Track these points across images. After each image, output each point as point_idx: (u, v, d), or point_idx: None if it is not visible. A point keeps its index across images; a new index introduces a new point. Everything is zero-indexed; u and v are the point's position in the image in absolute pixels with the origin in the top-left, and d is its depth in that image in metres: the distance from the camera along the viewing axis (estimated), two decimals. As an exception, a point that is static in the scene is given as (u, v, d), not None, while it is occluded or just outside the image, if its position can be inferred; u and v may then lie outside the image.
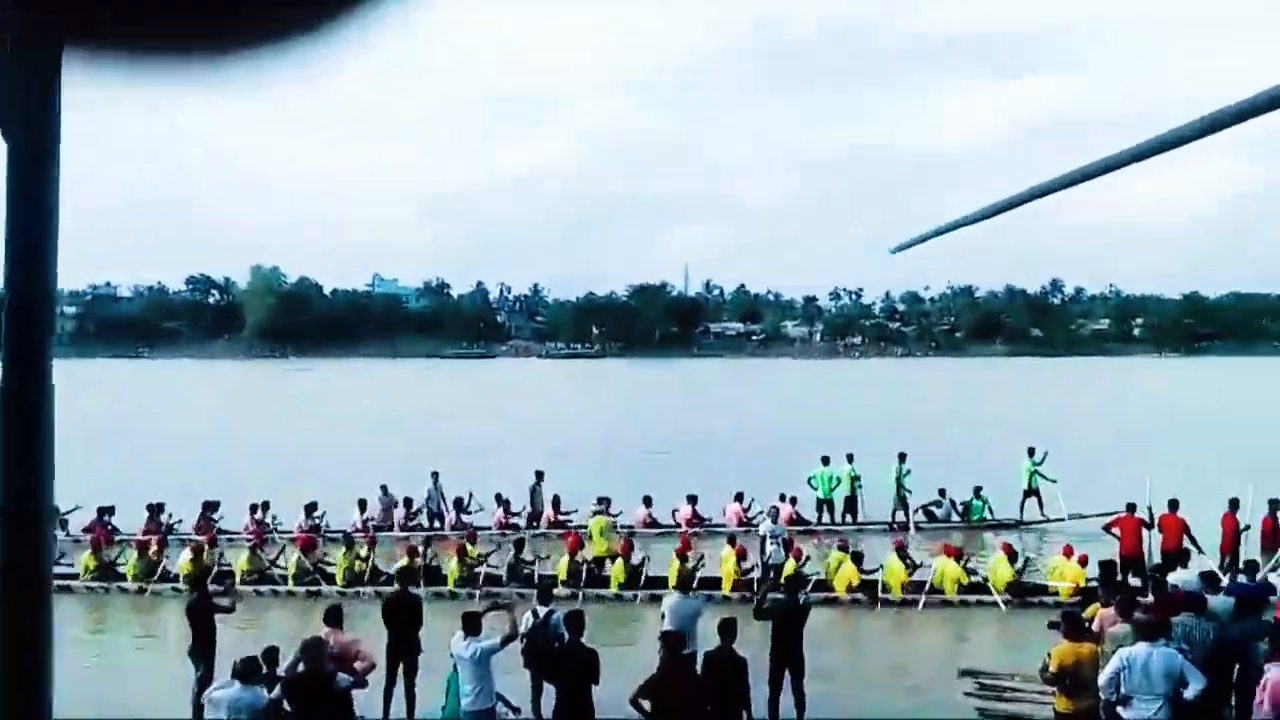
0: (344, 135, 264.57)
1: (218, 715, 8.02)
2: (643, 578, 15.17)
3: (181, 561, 15.57)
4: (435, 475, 20.58)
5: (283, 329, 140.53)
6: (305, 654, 8.31)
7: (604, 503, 18.63)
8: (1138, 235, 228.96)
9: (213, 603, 11.00)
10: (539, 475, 20.67)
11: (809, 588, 14.42)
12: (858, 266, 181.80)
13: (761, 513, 19.73)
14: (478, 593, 14.77)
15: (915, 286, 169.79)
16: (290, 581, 15.58)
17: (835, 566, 14.96)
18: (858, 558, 15.06)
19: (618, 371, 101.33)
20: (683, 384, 78.63)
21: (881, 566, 15.02)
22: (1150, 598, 10.59)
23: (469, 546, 15.85)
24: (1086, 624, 9.46)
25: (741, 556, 15.16)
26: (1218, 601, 10.18)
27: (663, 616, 10.49)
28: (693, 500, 19.86)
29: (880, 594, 14.68)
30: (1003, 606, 14.22)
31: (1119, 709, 8.17)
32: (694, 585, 14.06)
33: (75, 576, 15.99)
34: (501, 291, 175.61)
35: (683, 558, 14.76)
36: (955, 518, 20.35)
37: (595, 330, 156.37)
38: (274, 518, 19.19)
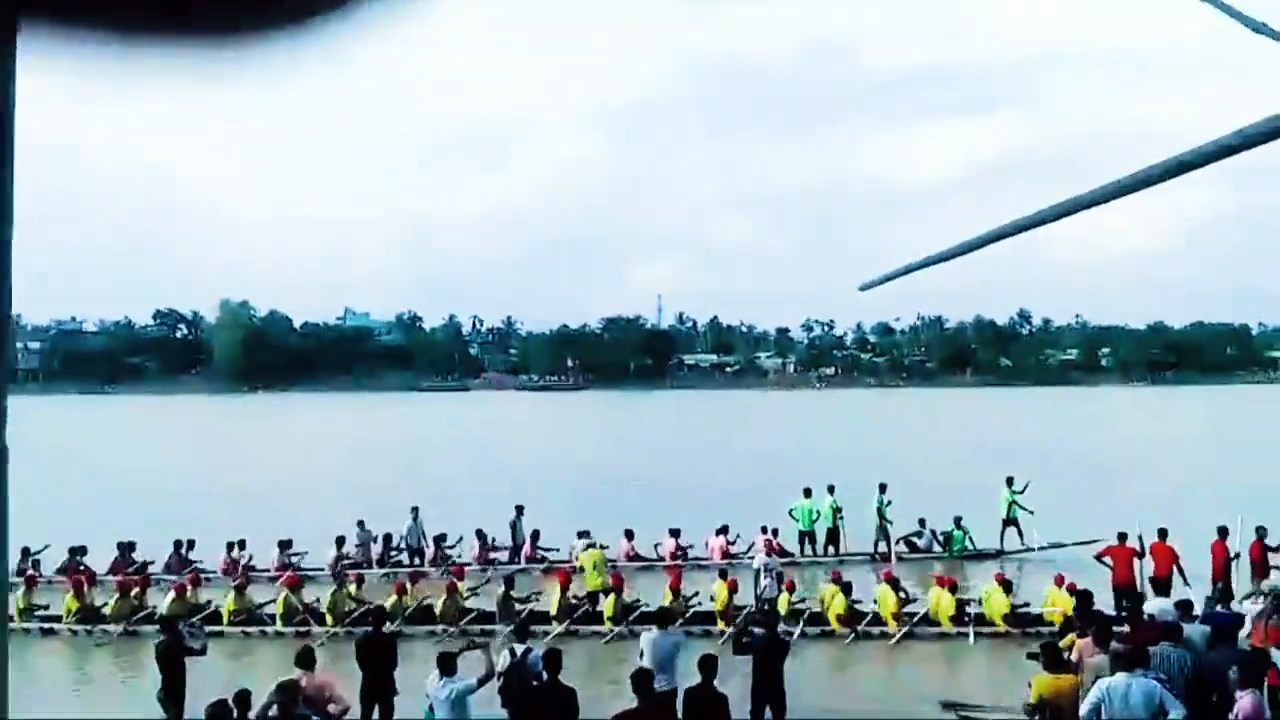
0: (310, 170, 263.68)
1: None
2: (636, 613, 14.92)
3: (166, 602, 15.28)
4: (415, 511, 20.35)
5: (252, 363, 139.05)
6: (279, 697, 8.15)
7: (584, 535, 18.66)
8: (1103, 266, 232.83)
9: (184, 645, 10.75)
10: (519, 510, 20.54)
11: (804, 620, 14.47)
12: (829, 299, 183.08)
13: (739, 540, 19.83)
14: (469, 630, 14.48)
15: (886, 318, 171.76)
16: (279, 621, 15.15)
17: (830, 599, 14.90)
18: (847, 589, 14.99)
19: (593, 404, 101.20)
20: (658, 416, 78.69)
21: (876, 600, 14.95)
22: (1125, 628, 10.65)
23: (459, 584, 15.62)
24: (1065, 654, 9.49)
25: (733, 590, 15.06)
26: (1193, 630, 10.24)
27: (641, 653, 10.40)
28: (676, 534, 19.79)
29: (873, 625, 14.59)
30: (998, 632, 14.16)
31: (1100, 740, 8.17)
32: (684, 620, 14.06)
33: (58, 619, 15.65)
34: (474, 324, 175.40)
35: (676, 593, 14.70)
36: (936, 548, 20.39)
37: (570, 363, 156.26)
38: (250, 556, 18.93)
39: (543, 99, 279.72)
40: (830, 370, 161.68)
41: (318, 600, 15.72)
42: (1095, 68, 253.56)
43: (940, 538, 20.48)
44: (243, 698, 8.75)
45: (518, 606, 14.92)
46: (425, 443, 53.08)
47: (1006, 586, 14.68)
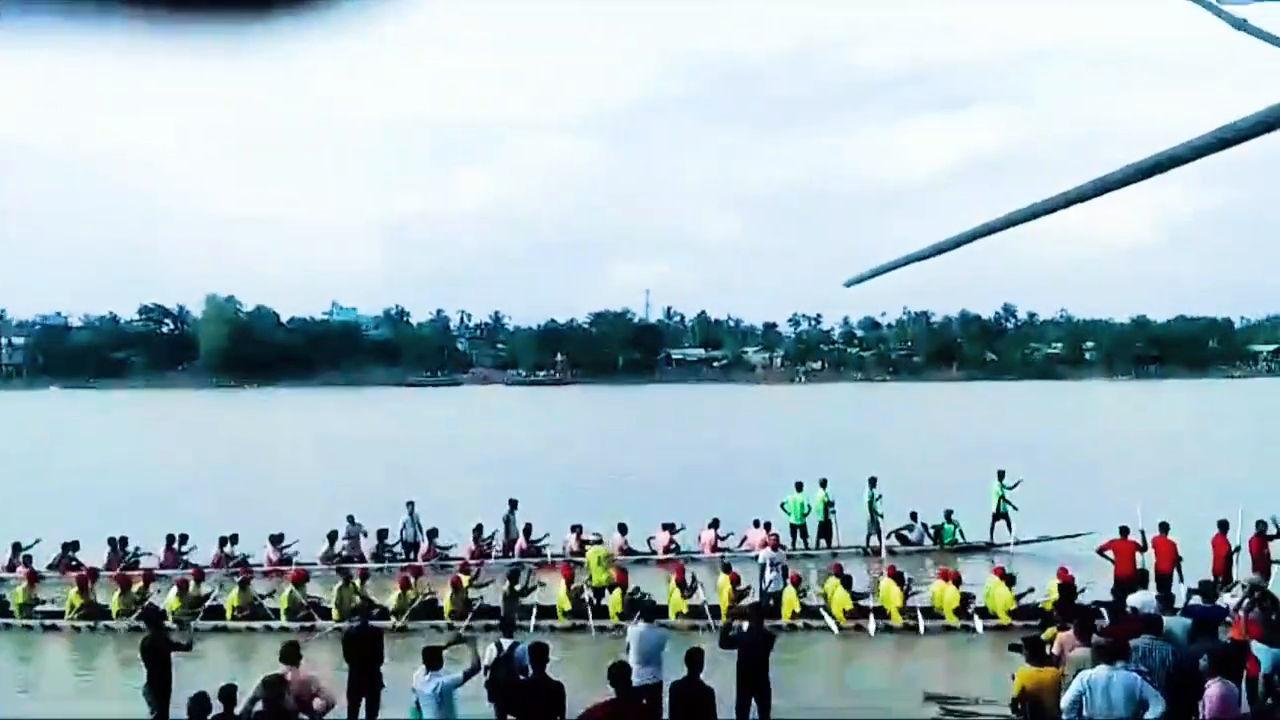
0: (298, 165, 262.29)
1: None
2: (641, 607, 14.95)
3: (169, 598, 15.23)
4: (411, 505, 20.37)
5: (239, 358, 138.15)
6: (264, 692, 8.12)
7: (576, 530, 19.03)
8: (1087, 261, 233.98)
9: (169, 641, 10.70)
10: (513, 504, 20.56)
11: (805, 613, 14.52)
12: (816, 294, 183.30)
13: (732, 534, 20.03)
14: (475, 625, 14.45)
15: (873, 312, 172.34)
16: (283, 616, 15.09)
17: (832, 592, 14.94)
18: (848, 581, 15.04)
19: (582, 398, 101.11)
20: (647, 411, 78.67)
21: (880, 594, 15.01)
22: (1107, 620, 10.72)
23: (463, 578, 15.59)
24: (1047, 647, 9.55)
25: (736, 583, 15.10)
26: (1174, 622, 10.33)
27: (627, 647, 10.41)
28: (669, 528, 19.85)
29: (877, 619, 14.63)
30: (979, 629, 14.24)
31: (1081, 732, 8.23)
32: (686, 613, 14.15)
33: (61, 615, 15.59)
34: (462, 319, 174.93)
35: (681, 586, 14.71)
36: (928, 541, 20.53)
37: (558, 357, 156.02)
38: (244, 555, 18.91)
39: (533, 97, 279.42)
40: (817, 364, 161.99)
41: (321, 597, 15.72)
42: (1082, 65, 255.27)
43: (931, 531, 20.61)
44: (228, 692, 8.72)
45: (523, 601, 14.95)
46: (418, 438, 52.89)
47: (1009, 580, 14.70)
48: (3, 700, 12.48)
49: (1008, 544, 20.44)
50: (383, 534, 19.86)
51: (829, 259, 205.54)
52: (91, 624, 15.30)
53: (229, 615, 15.19)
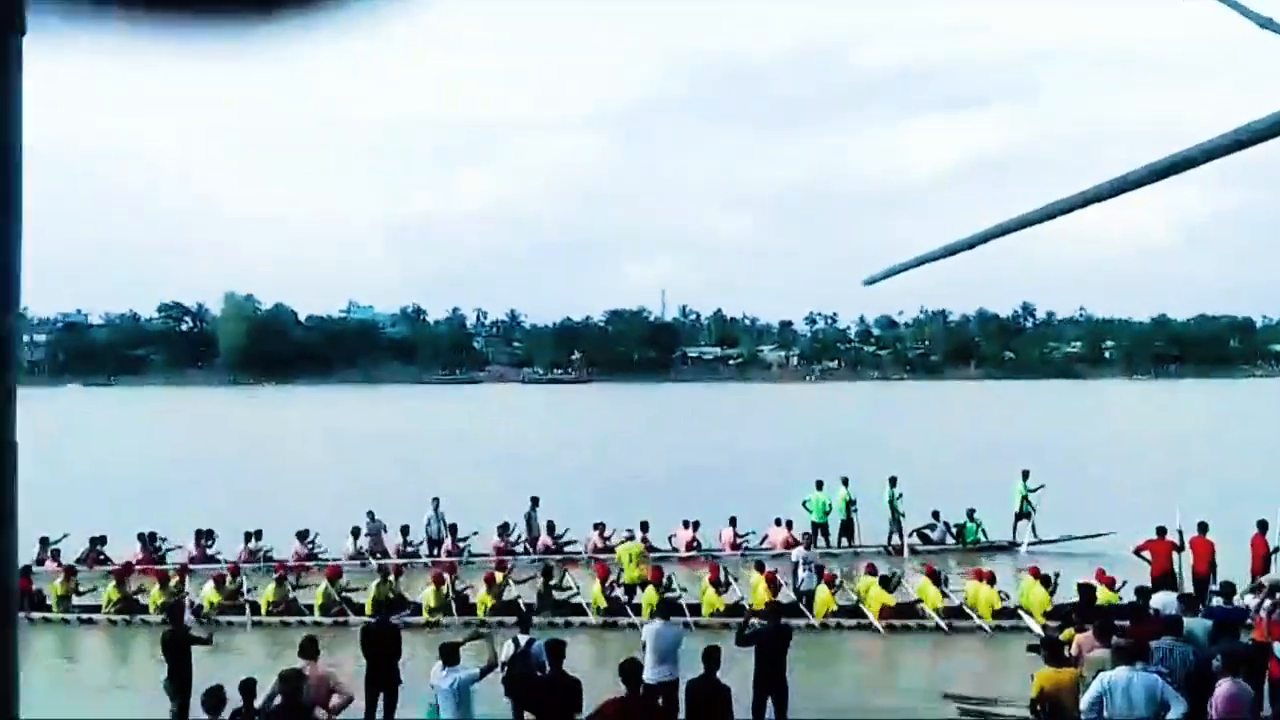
0: (314, 165, 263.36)
1: None
2: (675, 606, 14.96)
3: (206, 591, 15.46)
4: (436, 501, 20.47)
5: (257, 356, 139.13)
6: (282, 686, 8.18)
7: (599, 527, 19.26)
8: (1107, 260, 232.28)
9: (189, 635, 10.80)
10: (534, 501, 20.62)
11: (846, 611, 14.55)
12: (832, 292, 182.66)
13: (753, 533, 20.06)
14: (508, 621, 14.57)
15: (890, 311, 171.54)
16: (317, 611, 15.21)
17: (867, 591, 14.91)
18: (886, 582, 15.01)
19: (600, 396, 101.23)
20: (665, 409, 78.63)
21: (917, 593, 14.94)
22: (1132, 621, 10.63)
23: (498, 575, 15.65)
24: (1065, 649, 9.49)
25: (771, 582, 15.08)
26: (1195, 624, 10.25)
27: (643, 645, 10.42)
28: (692, 525, 19.83)
29: (914, 619, 14.59)
30: (1037, 629, 14.10)
31: (1101, 733, 8.18)
32: (721, 612, 14.17)
33: (98, 609, 15.79)
34: (478, 317, 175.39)
35: (715, 584, 14.71)
36: (950, 540, 20.45)
37: (573, 355, 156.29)
38: (270, 548, 19.08)
39: (540, 96, 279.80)
40: (833, 363, 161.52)
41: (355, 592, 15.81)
42: (1094, 63, 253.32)
43: (953, 530, 20.54)
44: (248, 686, 8.80)
45: (557, 597, 15.00)
46: (438, 435, 53.10)
47: (1044, 581, 14.49)
48: (44, 692, 12.69)
49: (1032, 543, 20.30)
50: (405, 530, 20.00)
51: (840, 258, 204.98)
52: (128, 617, 15.46)
53: (264, 610, 15.33)
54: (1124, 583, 13.75)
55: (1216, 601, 12.15)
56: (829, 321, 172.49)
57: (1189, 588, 13.97)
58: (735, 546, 19.69)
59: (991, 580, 14.82)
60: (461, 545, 19.49)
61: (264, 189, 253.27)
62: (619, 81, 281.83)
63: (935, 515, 20.67)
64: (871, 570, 15.37)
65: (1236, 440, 41.82)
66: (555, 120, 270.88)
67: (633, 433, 55.10)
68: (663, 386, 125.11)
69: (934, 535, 20.54)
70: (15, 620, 1.08)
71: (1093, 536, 19.43)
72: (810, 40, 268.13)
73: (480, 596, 15.06)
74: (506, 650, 10.01)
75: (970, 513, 20.55)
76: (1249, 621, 11.16)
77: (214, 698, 8.00)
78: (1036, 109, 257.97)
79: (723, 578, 15.17)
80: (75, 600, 16.05)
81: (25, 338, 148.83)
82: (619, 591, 15.48)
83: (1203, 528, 15.32)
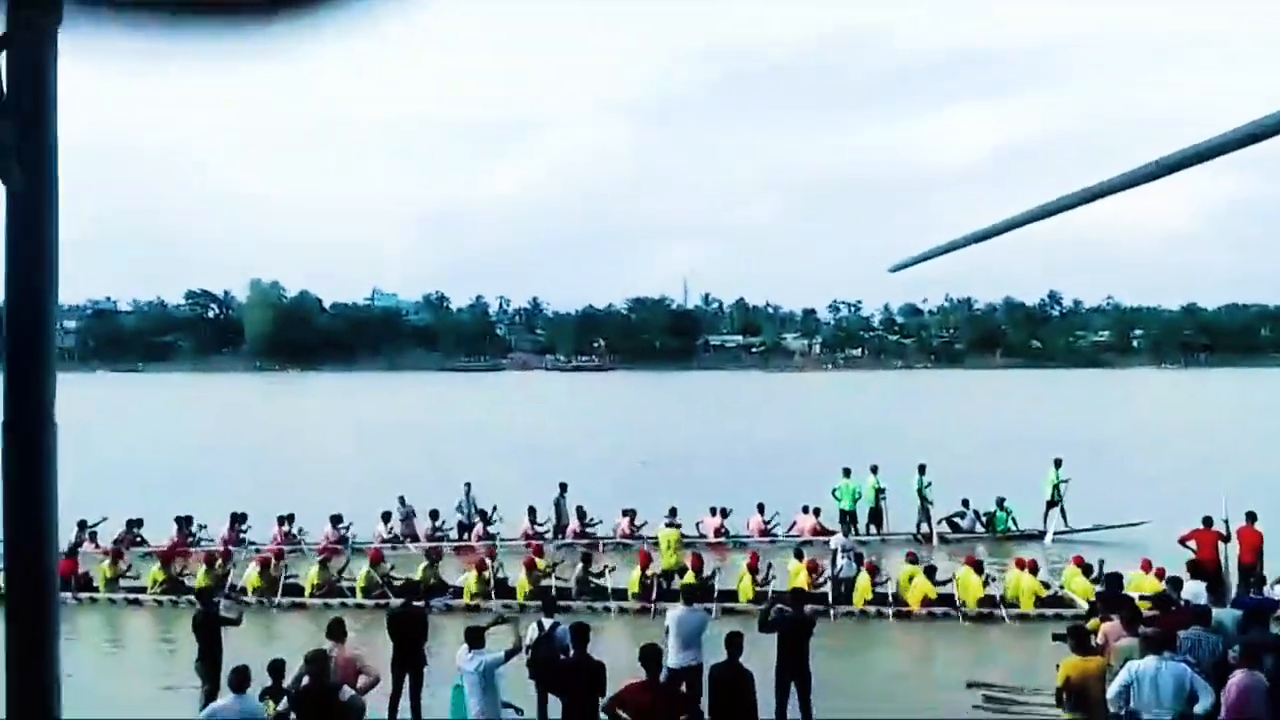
0: (339, 154, 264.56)
1: None
2: (715, 592, 14.96)
3: (249, 574, 15.76)
4: (468, 486, 20.70)
5: (282, 343, 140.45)
6: (309, 667, 8.28)
7: (629, 514, 19.54)
8: (1136, 248, 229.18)
9: (220, 616, 10.96)
10: (563, 487, 20.74)
11: (887, 600, 14.59)
12: (856, 280, 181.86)
13: (778, 515, 20.13)
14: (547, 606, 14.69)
15: (914, 299, 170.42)
16: (359, 594, 15.41)
17: (907, 580, 14.88)
18: (930, 571, 14.99)
19: (624, 384, 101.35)
20: (690, 397, 78.57)
21: (957, 582, 14.89)
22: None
23: (538, 560, 15.78)
24: (1092, 638, 9.42)
25: (811, 570, 15.13)
26: (1224, 614, 10.16)
27: (667, 630, 10.45)
28: (721, 512, 19.87)
29: (954, 607, 14.55)
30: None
31: (1128, 723, 8.13)
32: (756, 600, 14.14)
33: (144, 590, 16.09)
34: (500, 305, 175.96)
35: (754, 571, 14.74)
36: (979, 528, 20.38)
37: (597, 343, 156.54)
38: (300, 529, 19.28)
39: (570, 85, 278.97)
40: (857, 351, 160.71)
41: (345, 568, 16.09)
42: (1130, 50, 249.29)
43: (983, 518, 20.45)
44: (277, 667, 8.94)
45: (595, 583, 15.08)
46: (462, 422, 53.35)
47: (1086, 569, 14.43)
48: (92, 672, 12.98)
49: (1062, 532, 20.16)
50: (435, 514, 20.17)
51: (866, 246, 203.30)
52: (174, 598, 15.72)
53: (308, 592, 15.55)
54: (1168, 573, 13.54)
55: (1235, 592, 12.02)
56: (853, 309, 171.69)
57: (1235, 578, 13.80)
58: (764, 533, 19.74)
59: (1034, 569, 14.73)
60: (492, 531, 19.64)
61: (290, 179, 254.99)
62: (650, 68, 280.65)
63: (965, 503, 20.59)
64: (913, 559, 15.36)
65: (1267, 430, 41.21)
66: (583, 109, 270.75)
67: (656, 420, 55.13)
68: (685, 374, 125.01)
69: (963, 523, 20.48)
70: (56, 601, 1.10)
71: (1124, 526, 19.28)
72: (841, 29, 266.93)
73: (520, 581, 15.17)
74: (531, 634, 10.07)
75: (1000, 501, 20.47)
76: (1279, 613, 11.04)
77: (239, 677, 8.11)
78: (1072, 96, 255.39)
79: (761, 566, 15.17)
80: (121, 582, 16.39)
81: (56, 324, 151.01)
82: (657, 578, 15.50)
83: (1251, 517, 15.18)
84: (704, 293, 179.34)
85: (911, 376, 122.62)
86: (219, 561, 16.24)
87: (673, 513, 19.10)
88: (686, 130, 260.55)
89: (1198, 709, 7.88)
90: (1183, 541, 15.10)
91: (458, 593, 15.09)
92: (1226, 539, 14.95)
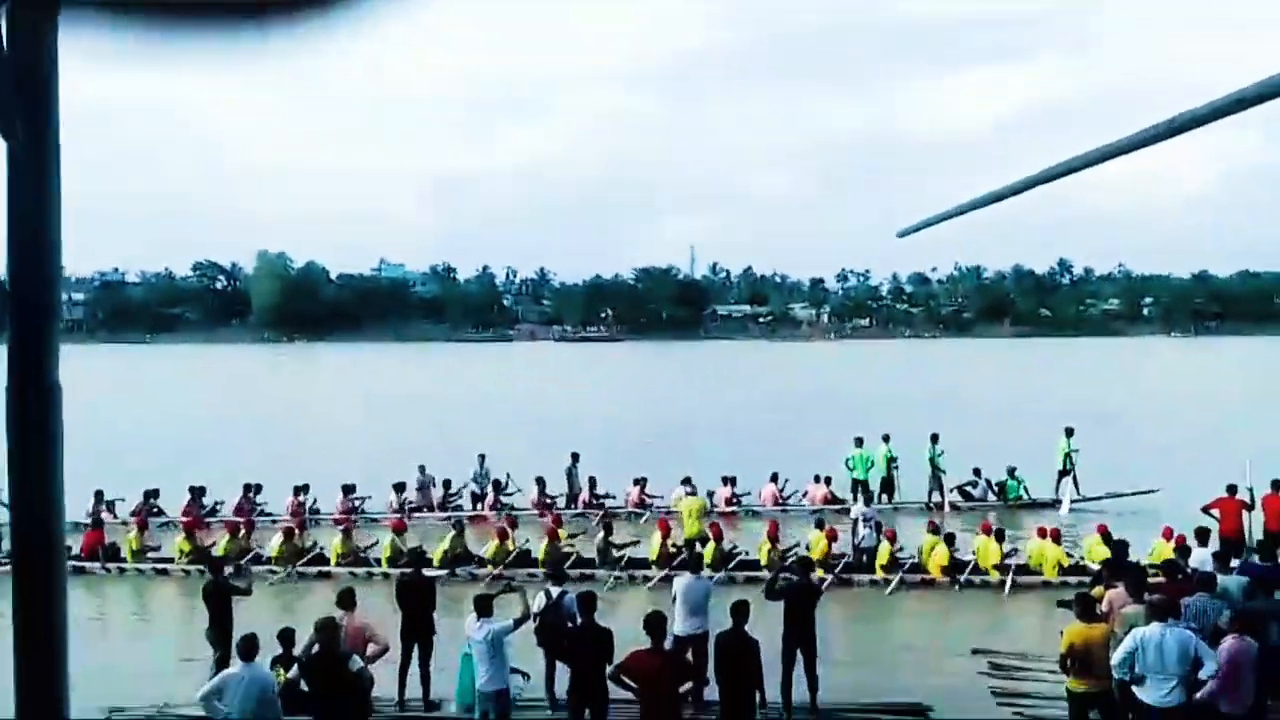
0: (342, 123, 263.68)
1: (223, 700, 7.96)
2: (735, 561, 15.14)
3: (273, 544, 15.95)
4: (482, 457, 20.83)
5: (290, 314, 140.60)
6: (319, 635, 8.36)
7: (640, 483, 19.70)
8: (1147, 215, 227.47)
9: (230, 585, 11.07)
10: (574, 457, 20.82)
11: (906, 569, 14.72)
12: (864, 249, 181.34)
13: (796, 492, 20.30)
14: (571, 574, 14.75)
15: (923, 268, 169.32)
16: (384, 564, 15.55)
17: (929, 549, 14.96)
18: (950, 540, 15.05)
19: (633, 354, 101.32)
20: (699, 367, 78.48)
21: (976, 551, 15.00)
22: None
23: (560, 530, 15.86)
24: (1098, 605, 9.46)
25: (831, 539, 15.21)
26: (1230, 581, 10.18)
27: (674, 598, 10.53)
28: (729, 481, 19.97)
29: (975, 575, 14.64)
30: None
31: (1133, 689, 8.18)
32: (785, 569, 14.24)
33: (170, 561, 16.27)
34: (507, 275, 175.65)
35: (774, 541, 14.82)
36: (991, 497, 20.44)
37: (604, 313, 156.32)
38: (314, 499, 19.40)
39: (580, 51, 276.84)
40: (865, 321, 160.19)
41: (376, 543, 16.20)
42: (1144, 11, 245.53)
43: (995, 487, 20.50)
44: (287, 635, 9.03)
45: (616, 553, 15.18)
46: (475, 394, 53.46)
47: (1107, 538, 14.29)
48: (122, 640, 13.17)
49: (1075, 501, 20.20)
50: (448, 484, 20.30)
51: (879, 214, 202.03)
52: (202, 568, 15.86)
53: (333, 562, 15.73)
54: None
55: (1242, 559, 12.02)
56: (861, 279, 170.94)
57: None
58: (777, 502, 19.82)
59: (1056, 538, 14.74)
60: (504, 500, 19.74)
61: (296, 150, 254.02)
62: (661, 34, 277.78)
63: (976, 472, 20.65)
64: (934, 529, 15.42)
65: (1272, 399, 41.03)
66: (594, 76, 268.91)
67: (665, 391, 55.13)
68: (692, 345, 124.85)
69: (975, 492, 20.56)
70: (63, 571, 1.10)
71: (1137, 494, 19.30)
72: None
73: (542, 550, 15.24)
74: (539, 602, 10.15)
75: (1011, 470, 20.51)
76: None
77: (248, 645, 8.20)
78: (1086, 59, 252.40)
79: (781, 535, 15.23)
80: (148, 553, 16.59)
81: (64, 296, 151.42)
82: (679, 547, 15.54)
83: (1276, 485, 15.10)
84: (711, 262, 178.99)
85: (920, 346, 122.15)
86: (242, 532, 16.42)
87: (687, 481, 19.22)
88: (696, 97, 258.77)
89: (1202, 674, 7.92)
90: (1206, 510, 14.95)
91: (481, 562, 15.24)
92: (1251, 507, 14.89)
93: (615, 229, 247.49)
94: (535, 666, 10.24)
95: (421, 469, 20.43)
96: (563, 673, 9.46)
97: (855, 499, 20.20)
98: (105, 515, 18.40)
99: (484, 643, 8.96)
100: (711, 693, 8.90)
